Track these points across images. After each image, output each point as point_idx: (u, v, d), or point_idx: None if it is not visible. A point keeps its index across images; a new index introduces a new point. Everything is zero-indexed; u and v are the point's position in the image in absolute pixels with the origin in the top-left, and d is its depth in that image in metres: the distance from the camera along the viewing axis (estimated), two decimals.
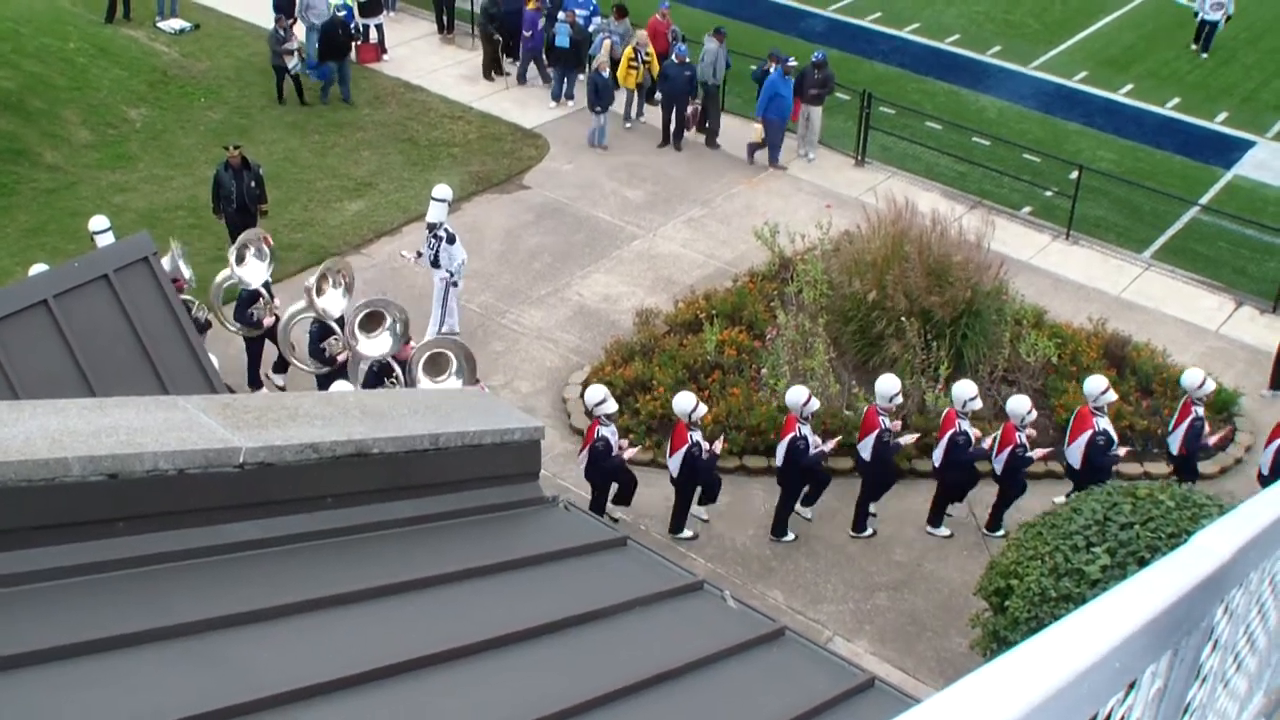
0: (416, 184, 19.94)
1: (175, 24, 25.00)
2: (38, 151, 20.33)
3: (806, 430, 13.27)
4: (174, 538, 4.15)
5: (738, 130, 21.92)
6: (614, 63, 23.33)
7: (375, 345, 13.15)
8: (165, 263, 14.15)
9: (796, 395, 13.27)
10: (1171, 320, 17.74)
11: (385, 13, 25.27)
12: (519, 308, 17.48)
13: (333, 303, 13.99)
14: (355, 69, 23.16)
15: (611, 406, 13.25)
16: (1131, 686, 2.41)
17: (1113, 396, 13.52)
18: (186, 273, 14.24)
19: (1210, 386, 13.89)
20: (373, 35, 24.36)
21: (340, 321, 14.27)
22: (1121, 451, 13.49)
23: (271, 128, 21.96)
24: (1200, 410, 13.65)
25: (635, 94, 22.16)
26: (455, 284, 16.32)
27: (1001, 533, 13.69)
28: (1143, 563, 9.61)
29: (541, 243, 19.02)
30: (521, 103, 23.15)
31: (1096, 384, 13.45)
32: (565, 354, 16.55)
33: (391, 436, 4.91)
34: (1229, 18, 25.41)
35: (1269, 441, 13.57)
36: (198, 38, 24.86)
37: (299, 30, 22.66)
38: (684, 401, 13.24)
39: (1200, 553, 2.55)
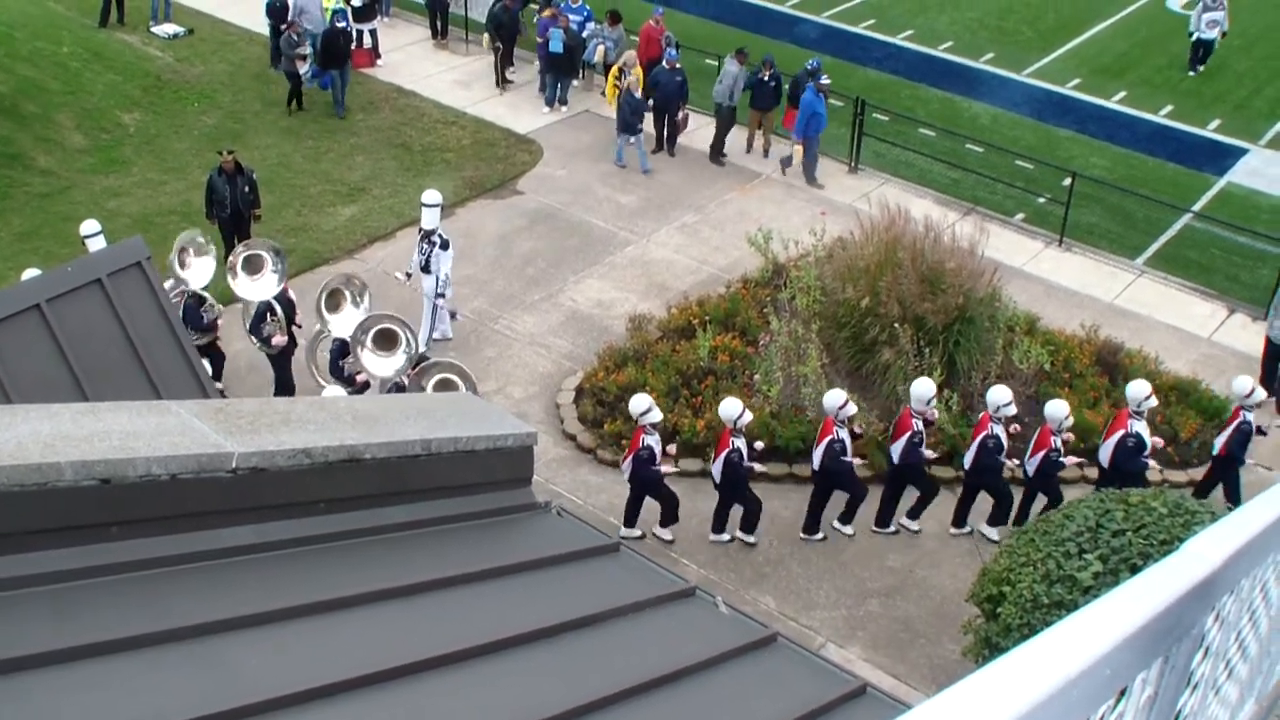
0: (410, 189, 19.94)
1: (169, 29, 24.98)
2: (31, 156, 20.30)
3: (844, 434, 13.32)
4: (167, 542, 4.15)
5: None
6: (607, 68, 23.38)
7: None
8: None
9: (834, 399, 13.31)
10: (1164, 327, 17.78)
11: (379, 18, 25.26)
12: (512, 313, 17.48)
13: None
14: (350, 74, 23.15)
15: (657, 415, 13.23)
16: (1123, 693, 2.42)
17: (1154, 402, 13.59)
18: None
19: (1261, 395, 13.90)
20: (366, 40, 24.35)
21: (288, 304, 14.42)
22: (1151, 462, 13.54)
23: (265, 133, 21.95)
24: (1249, 416, 13.68)
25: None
26: (442, 294, 16.28)
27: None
28: (1135, 569, 9.62)
29: (535, 248, 19.02)
30: (515, 108, 23.15)
31: (1140, 389, 13.46)
32: (558, 359, 16.55)
33: (384, 442, 4.91)
34: (1224, 34, 25.33)
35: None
36: (191, 43, 24.85)
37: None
38: (730, 408, 13.19)
39: (1192, 559, 2.56)
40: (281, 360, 15.19)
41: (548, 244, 19.14)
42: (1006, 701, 1.80)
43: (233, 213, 17.57)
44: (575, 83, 23.59)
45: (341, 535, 4.71)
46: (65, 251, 16.46)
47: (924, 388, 13.46)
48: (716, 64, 23.00)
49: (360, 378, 13.80)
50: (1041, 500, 13.69)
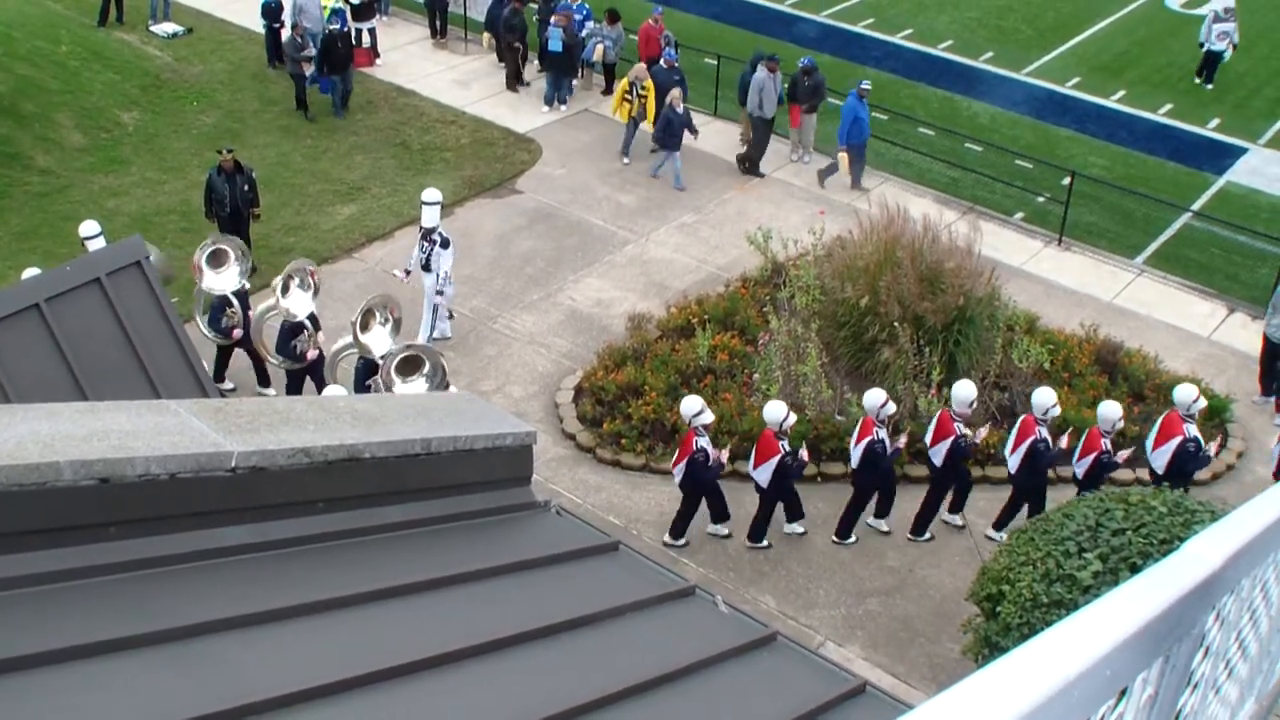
0: (409, 188, 19.93)
1: (168, 28, 24.97)
2: (30, 155, 20.29)
3: (883, 433, 13.33)
4: (166, 542, 4.15)
5: (729, 133, 21.95)
6: (607, 67, 23.38)
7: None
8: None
9: (874, 398, 13.31)
10: (1163, 326, 17.78)
11: (378, 17, 25.24)
12: (511, 312, 17.48)
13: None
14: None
15: (709, 417, 13.19)
16: (1123, 693, 2.41)
17: (1203, 403, 13.61)
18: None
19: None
20: (365, 39, 24.33)
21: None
22: (1211, 457, 13.56)
23: (264, 132, 21.94)
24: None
25: (629, 128, 21.41)
26: (440, 292, 16.29)
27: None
28: (1135, 569, 9.63)
29: (534, 247, 19.02)
30: (514, 107, 23.15)
31: (1189, 392, 13.47)
32: (557, 359, 16.55)
33: (383, 441, 4.90)
34: (1235, 46, 25.16)
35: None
36: (190, 42, 24.84)
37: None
38: (775, 411, 13.15)
39: (1192, 559, 2.56)
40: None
41: (547, 243, 19.13)
42: (1008, 702, 1.80)
43: (232, 212, 17.56)
44: (575, 81, 23.56)
45: (341, 534, 4.71)
46: (64, 251, 16.46)
47: (966, 390, 13.44)
48: (716, 63, 23.04)
49: (311, 355, 14.48)
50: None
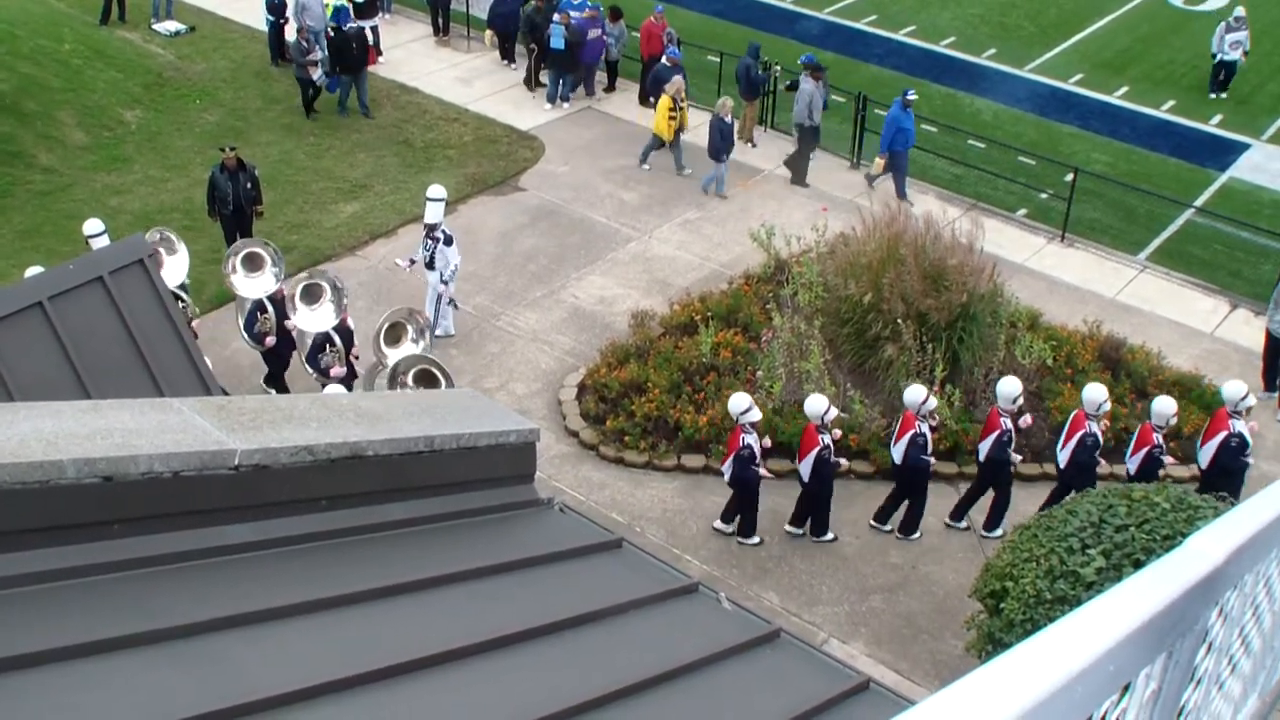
0: (412, 186, 19.93)
1: (171, 26, 24.97)
2: (33, 153, 20.30)
3: (925, 428, 13.35)
4: (169, 540, 4.15)
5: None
6: (610, 64, 23.36)
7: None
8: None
9: (915, 394, 13.33)
10: (1166, 323, 17.76)
11: (381, 15, 25.25)
12: (514, 310, 17.48)
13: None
14: None
15: (757, 414, 13.21)
16: (1126, 689, 2.41)
17: (1252, 400, 13.60)
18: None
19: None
20: (368, 37, 24.30)
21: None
22: (1250, 460, 13.50)
23: (267, 130, 21.94)
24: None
25: (675, 143, 20.89)
26: (445, 282, 16.31)
27: None
28: (1138, 565, 9.61)
29: (537, 245, 19.02)
30: (517, 105, 23.14)
31: (1237, 389, 13.44)
32: (560, 356, 16.55)
33: (386, 439, 4.91)
34: (1246, 54, 24.97)
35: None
36: (193, 40, 24.84)
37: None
38: (817, 404, 13.19)
39: (1195, 556, 2.55)
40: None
41: (550, 240, 19.13)
42: (1011, 697, 1.80)
43: (235, 210, 17.57)
44: (600, 87, 23.55)
45: (344, 532, 4.71)
46: (67, 249, 16.47)
47: (1011, 386, 13.44)
48: (719, 60, 23.03)
49: (269, 340, 14.64)
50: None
